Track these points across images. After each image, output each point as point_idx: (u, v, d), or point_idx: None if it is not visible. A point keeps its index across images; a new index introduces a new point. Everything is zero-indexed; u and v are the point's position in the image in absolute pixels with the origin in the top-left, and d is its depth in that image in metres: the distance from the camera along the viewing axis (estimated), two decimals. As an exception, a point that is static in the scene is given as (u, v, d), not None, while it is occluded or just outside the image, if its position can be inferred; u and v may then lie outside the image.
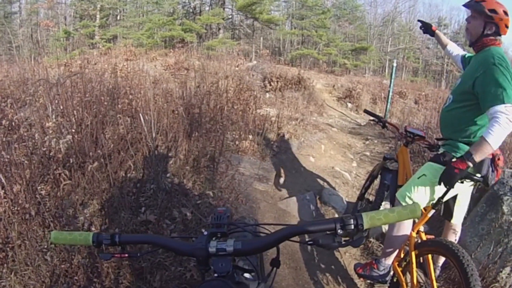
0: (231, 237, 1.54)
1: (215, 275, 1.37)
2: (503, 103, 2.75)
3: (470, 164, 2.91)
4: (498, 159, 2.93)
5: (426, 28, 4.21)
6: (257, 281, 1.68)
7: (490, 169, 2.95)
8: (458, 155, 3.16)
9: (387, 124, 4.61)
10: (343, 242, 1.34)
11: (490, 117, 2.79)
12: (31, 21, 34.82)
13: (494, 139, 2.78)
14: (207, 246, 1.39)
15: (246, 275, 1.70)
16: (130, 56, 15.65)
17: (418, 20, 4.45)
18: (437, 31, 4.15)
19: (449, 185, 3.01)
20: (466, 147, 3.10)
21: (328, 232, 1.35)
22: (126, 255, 1.59)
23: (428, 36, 4.27)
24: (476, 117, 3.08)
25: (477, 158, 2.88)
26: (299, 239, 1.58)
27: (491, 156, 2.95)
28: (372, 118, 4.73)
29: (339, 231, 1.31)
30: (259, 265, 2.03)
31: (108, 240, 1.54)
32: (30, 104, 5.85)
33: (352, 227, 1.30)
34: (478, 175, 2.95)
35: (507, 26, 3.07)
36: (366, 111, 4.95)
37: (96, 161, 4.15)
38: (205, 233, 1.46)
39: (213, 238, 1.46)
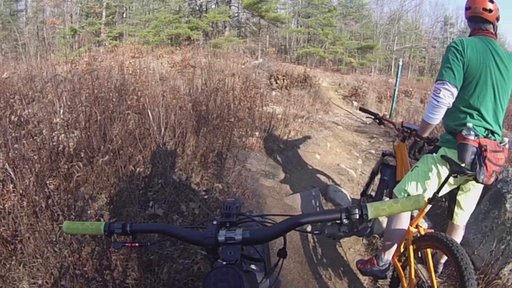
0: (240, 227, 1.55)
1: (224, 263, 1.38)
2: (436, 80, 3.12)
3: (417, 138, 3.52)
4: (485, 150, 2.91)
5: None
6: (264, 271, 1.71)
7: (478, 161, 2.94)
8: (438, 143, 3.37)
9: (383, 121, 4.63)
10: (348, 232, 1.37)
11: None
12: (37, 19, 34.82)
13: (425, 113, 3.17)
14: (216, 235, 1.41)
15: (253, 266, 1.73)
16: (136, 54, 15.70)
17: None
18: None
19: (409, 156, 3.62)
20: (450, 136, 3.21)
21: (332, 223, 1.38)
22: (137, 244, 1.62)
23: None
24: (455, 104, 3.15)
25: (420, 132, 3.45)
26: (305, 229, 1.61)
27: (475, 144, 2.95)
28: (368, 115, 4.76)
29: (344, 220, 1.34)
30: (266, 256, 2.06)
31: (119, 229, 1.56)
32: (38, 101, 5.89)
33: (357, 216, 1.33)
34: (470, 172, 2.97)
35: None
36: (361, 109, 4.98)
37: (106, 156, 4.19)
38: (215, 222, 1.48)
39: (222, 228, 1.48)
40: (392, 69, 36.20)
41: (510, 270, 3.72)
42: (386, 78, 21.77)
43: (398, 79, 12.18)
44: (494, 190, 4.26)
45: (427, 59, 42.62)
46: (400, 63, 12.44)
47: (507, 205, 3.97)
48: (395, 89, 12.20)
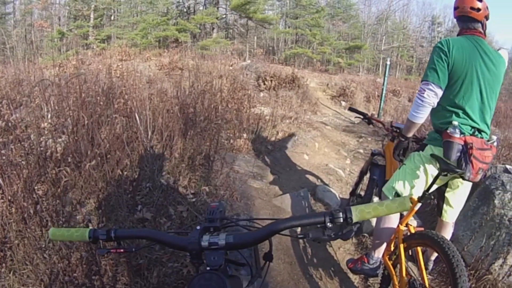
0: (225, 231, 1.56)
1: (208, 268, 1.39)
2: (421, 80, 3.19)
3: (402, 139, 3.51)
4: (471, 147, 2.95)
5: None
6: (250, 275, 1.72)
7: (463, 159, 2.97)
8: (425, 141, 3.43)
9: (372, 120, 4.66)
10: (333, 235, 1.39)
11: None
12: (25, 22, 34.66)
13: (410, 113, 3.24)
14: (199, 240, 1.42)
15: (239, 271, 1.74)
16: (124, 57, 15.65)
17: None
18: None
19: (393, 157, 3.71)
20: (436, 135, 3.26)
21: (318, 226, 1.38)
22: (122, 250, 1.62)
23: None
24: (441, 103, 3.19)
25: (404, 132, 3.45)
26: (290, 233, 1.63)
27: (461, 142, 2.98)
28: (357, 115, 4.78)
29: (328, 224, 1.34)
30: (254, 260, 2.06)
31: (104, 236, 1.57)
32: (26, 105, 5.87)
33: (341, 220, 1.33)
34: (458, 169, 3.00)
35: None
36: (351, 109, 5.00)
37: (93, 160, 4.18)
38: (198, 227, 1.49)
39: (206, 233, 1.48)
40: (380, 69, 36.31)
41: (500, 265, 3.76)
42: (374, 77, 21.85)
43: (386, 78, 12.25)
44: (482, 186, 4.31)
45: (414, 58, 42.84)
46: (388, 63, 12.51)
47: (496, 201, 4.01)
48: (383, 89, 12.26)
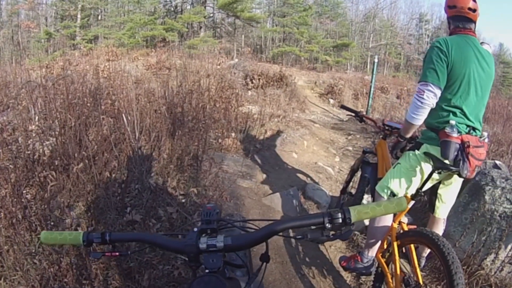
0: (221, 233, 1.54)
1: (206, 271, 1.37)
2: (419, 81, 3.16)
3: (400, 139, 3.54)
4: (468, 146, 2.97)
5: None
6: (247, 277, 1.71)
7: (460, 156, 2.99)
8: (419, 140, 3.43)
9: (364, 118, 4.66)
10: (331, 236, 1.39)
11: None
12: (12, 23, 34.35)
13: (409, 114, 3.21)
14: (197, 242, 1.40)
15: (236, 273, 1.73)
16: (111, 57, 15.57)
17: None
18: None
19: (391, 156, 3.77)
20: (432, 134, 3.26)
21: (315, 227, 1.38)
22: (117, 253, 1.59)
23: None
24: (438, 102, 3.18)
25: (403, 133, 3.48)
26: (288, 234, 1.62)
27: (458, 141, 3.00)
28: (349, 113, 4.79)
29: (327, 225, 1.34)
30: (248, 261, 2.05)
31: (98, 239, 1.54)
32: (13, 108, 5.83)
33: (340, 220, 1.33)
34: (453, 168, 3.01)
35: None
36: (342, 107, 5.00)
37: (81, 163, 4.16)
38: (195, 229, 1.46)
39: (203, 235, 1.46)
40: (368, 66, 36.39)
41: (492, 261, 3.78)
42: (362, 75, 21.91)
43: (374, 76, 12.27)
44: (473, 182, 4.33)
45: (402, 56, 43.04)
46: (376, 60, 12.54)
47: (486, 197, 4.03)
48: (371, 86, 12.31)
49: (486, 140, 3.19)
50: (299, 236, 1.41)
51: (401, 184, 3.37)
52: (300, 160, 7.36)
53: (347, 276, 4.13)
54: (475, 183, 4.30)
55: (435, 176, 3.13)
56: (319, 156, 7.95)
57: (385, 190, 3.44)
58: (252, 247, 1.47)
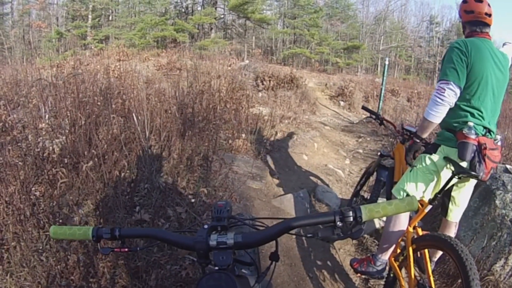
0: (231, 230, 1.53)
1: (216, 268, 1.37)
2: (439, 80, 3.17)
3: (416, 140, 3.45)
4: (485, 148, 2.96)
5: None
6: (255, 275, 1.69)
7: (477, 158, 2.98)
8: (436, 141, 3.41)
9: (384, 121, 4.63)
10: (342, 235, 1.36)
11: None
12: (23, 22, 34.60)
13: (427, 111, 3.19)
14: (207, 239, 1.39)
15: (244, 270, 1.71)
16: (122, 57, 15.63)
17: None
18: None
19: (405, 160, 3.63)
20: (449, 134, 3.23)
21: (325, 225, 1.37)
22: (126, 249, 1.58)
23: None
24: (457, 102, 3.17)
25: (419, 132, 3.40)
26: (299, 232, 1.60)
27: (475, 143, 2.99)
28: (369, 115, 4.76)
29: (338, 223, 1.33)
30: (257, 259, 2.04)
31: (108, 234, 1.53)
32: (23, 106, 5.84)
33: (351, 219, 1.32)
34: (473, 173, 2.99)
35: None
36: (364, 108, 4.97)
37: (91, 161, 4.15)
38: (206, 226, 1.45)
39: (213, 232, 1.46)
40: (379, 69, 36.35)
41: (502, 266, 3.74)
42: (372, 77, 21.91)
43: (385, 78, 12.20)
44: (483, 187, 4.30)
45: (413, 58, 42.91)
46: (386, 63, 12.47)
47: (497, 202, 4.00)
48: (381, 88, 12.24)
49: (499, 143, 3.17)
50: (310, 235, 1.40)
51: (418, 187, 3.35)
52: (310, 162, 7.33)
53: (356, 280, 4.10)
54: (485, 187, 4.27)
55: (454, 180, 3.10)
56: (329, 158, 7.91)
57: (401, 193, 3.42)
58: (262, 245, 1.46)
